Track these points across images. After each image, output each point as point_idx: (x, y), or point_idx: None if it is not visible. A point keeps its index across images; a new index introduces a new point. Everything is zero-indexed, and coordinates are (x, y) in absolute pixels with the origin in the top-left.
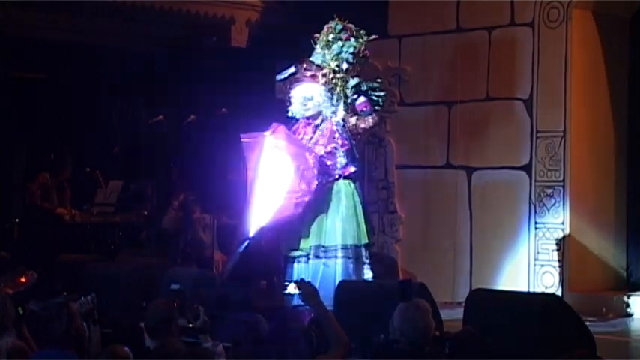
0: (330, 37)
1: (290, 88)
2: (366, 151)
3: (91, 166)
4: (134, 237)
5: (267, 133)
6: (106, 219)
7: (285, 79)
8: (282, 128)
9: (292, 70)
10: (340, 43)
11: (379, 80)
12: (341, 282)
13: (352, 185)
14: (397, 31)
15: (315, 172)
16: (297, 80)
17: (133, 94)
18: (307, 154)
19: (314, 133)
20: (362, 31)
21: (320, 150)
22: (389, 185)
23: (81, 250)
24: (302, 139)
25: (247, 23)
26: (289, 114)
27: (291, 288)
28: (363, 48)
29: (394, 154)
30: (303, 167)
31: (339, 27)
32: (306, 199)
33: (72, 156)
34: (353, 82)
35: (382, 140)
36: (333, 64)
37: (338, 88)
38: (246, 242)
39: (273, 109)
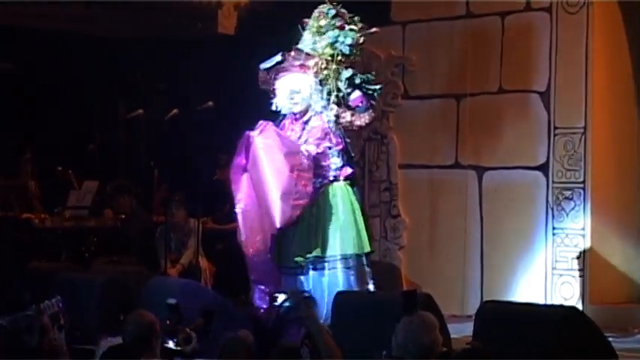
0: (322, 22)
1: (275, 79)
2: (366, 148)
3: (63, 164)
4: (111, 243)
5: (254, 133)
6: (80, 223)
7: (269, 68)
8: (270, 126)
9: (279, 58)
10: (336, 32)
11: (373, 73)
12: (339, 293)
13: (349, 188)
14: (401, 16)
15: (312, 170)
16: (284, 70)
17: (110, 86)
18: (301, 154)
19: (302, 130)
20: (356, 18)
21: (311, 149)
22: (391, 186)
23: (52, 257)
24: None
25: (236, 7)
26: (274, 107)
27: (282, 299)
28: (359, 37)
29: (397, 153)
30: (297, 168)
31: (332, 12)
32: (304, 202)
33: (32, 153)
34: (346, 74)
35: (384, 137)
36: (327, 54)
37: (330, 81)
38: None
39: (263, 103)
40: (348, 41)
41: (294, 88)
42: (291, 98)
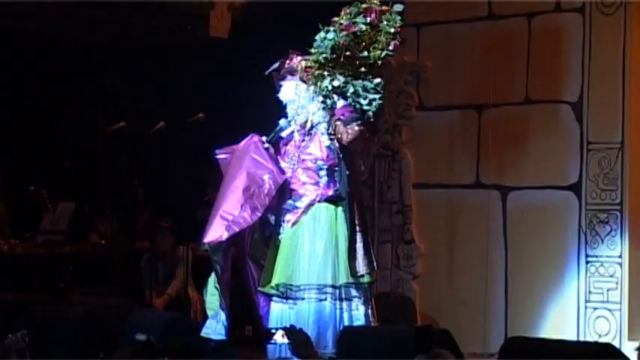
0: (343, 20)
1: (280, 87)
2: (376, 166)
3: (35, 184)
4: (89, 271)
5: (239, 146)
6: (54, 249)
7: (268, 75)
8: (252, 140)
9: (276, 65)
10: (322, 34)
11: (376, 81)
12: (345, 328)
13: (336, 209)
14: (415, 18)
15: (267, 201)
16: (282, 78)
17: (89, 95)
18: (267, 175)
19: (302, 142)
20: (395, 16)
21: (305, 164)
22: (404, 209)
23: (22, 287)
24: (285, 153)
25: (230, 9)
26: (288, 119)
27: (279, 337)
28: (344, 36)
29: (411, 171)
30: (254, 189)
31: (354, 10)
32: (239, 229)
33: (0, 171)
34: (325, 82)
35: (396, 153)
36: (312, 59)
37: (313, 88)
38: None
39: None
40: (330, 44)
41: (289, 97)
42: (292, 109)
